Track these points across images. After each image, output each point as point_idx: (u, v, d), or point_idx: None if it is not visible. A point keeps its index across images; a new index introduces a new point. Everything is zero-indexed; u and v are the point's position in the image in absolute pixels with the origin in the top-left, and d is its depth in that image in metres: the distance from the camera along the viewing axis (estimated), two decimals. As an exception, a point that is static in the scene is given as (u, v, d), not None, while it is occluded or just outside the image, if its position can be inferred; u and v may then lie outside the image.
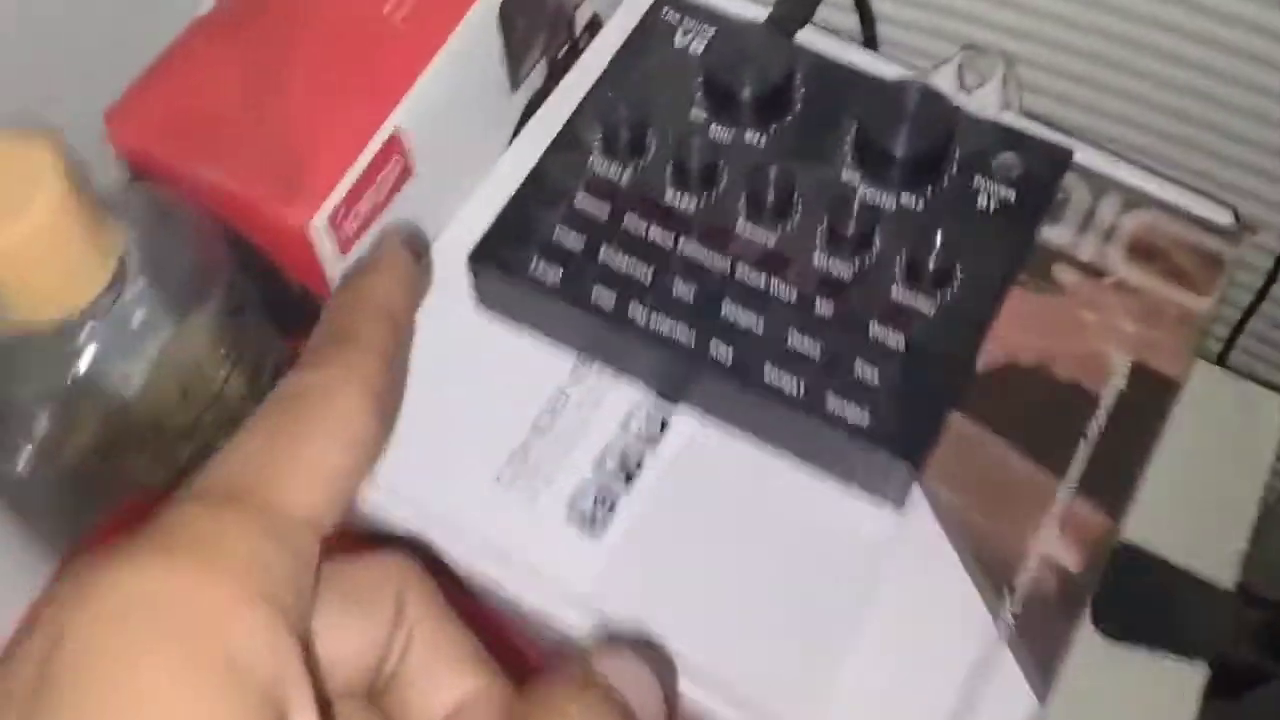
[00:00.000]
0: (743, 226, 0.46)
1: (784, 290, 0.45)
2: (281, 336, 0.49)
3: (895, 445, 0.40)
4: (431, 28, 0.47)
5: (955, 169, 0.48)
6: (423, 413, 0.42)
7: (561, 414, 0.44)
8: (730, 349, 0.42)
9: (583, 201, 0.46)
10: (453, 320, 0.46)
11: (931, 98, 0.48)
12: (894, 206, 0.47)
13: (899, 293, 0.45)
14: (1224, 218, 0.50)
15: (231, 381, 0.44)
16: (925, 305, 0.45)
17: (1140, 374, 0.46)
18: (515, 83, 0.53)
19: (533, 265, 0.44)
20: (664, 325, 0.43)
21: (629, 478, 0.43)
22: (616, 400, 0.44)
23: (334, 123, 0.45)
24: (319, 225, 0.44)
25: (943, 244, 0.44)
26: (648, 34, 0.52)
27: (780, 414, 0.41)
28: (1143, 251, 0.49)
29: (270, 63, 0.46)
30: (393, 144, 0.46)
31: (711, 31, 0.52)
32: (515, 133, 0.51)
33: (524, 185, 0.46)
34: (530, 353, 0.45)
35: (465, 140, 0.50)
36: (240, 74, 0.46)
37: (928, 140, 0.47)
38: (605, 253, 0.44)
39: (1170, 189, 0.51)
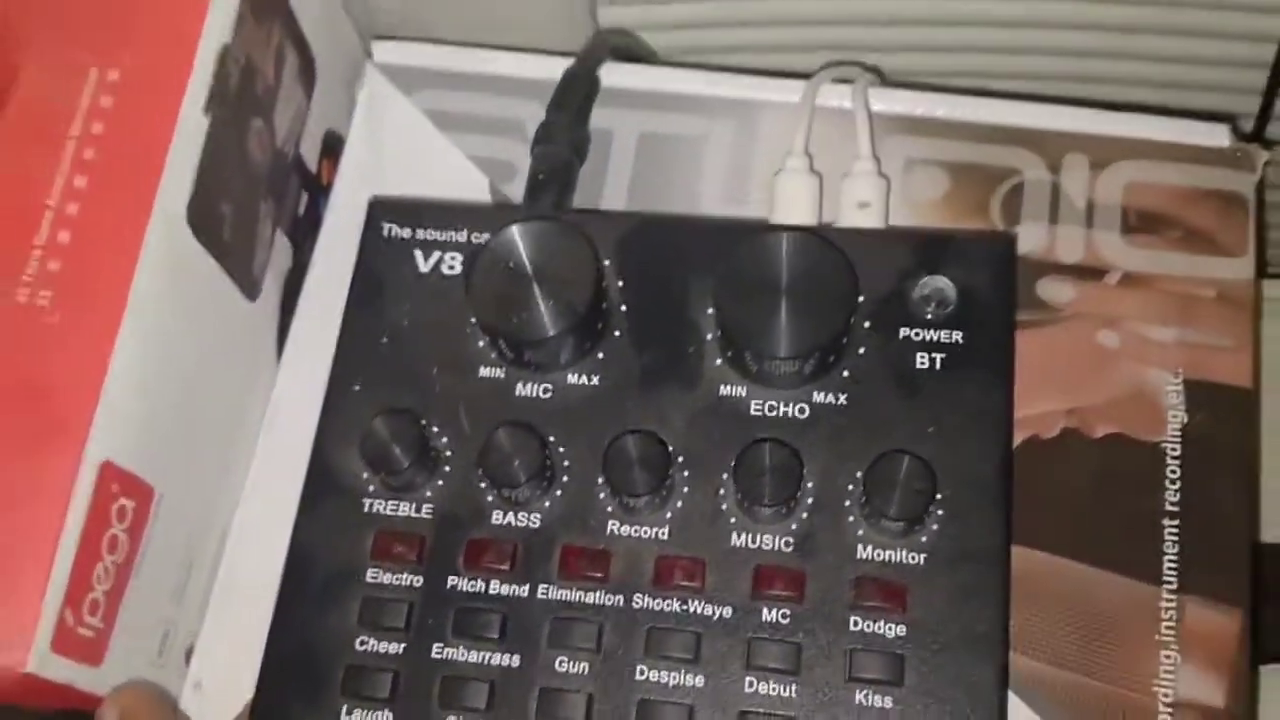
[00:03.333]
0: (615, 530, 0.33)
1: (711, 612, 0.32)
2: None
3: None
4: (96, 296, 0.33)
5: (867, 328, 0.34)
6: None
7: None
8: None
9: (379, 574, 0.33)
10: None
11: (801, 242, 0.32)
12: (805, 412, 0.33)
13: (866, 550, 0.32)
14: (1218, 138, 0.37)
15: None
16: (909, 552, 0.32)
17: (1199, 392, 0.35)
18: (252, 291, 0.38)
19: (343, 711, 0.32)
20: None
21: None
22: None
23: (8, 504, 0.32)
24: (40, 655, 0.32)
25: (898, 457, 0.31)
26: (375, 270, 0.36)
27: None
28: (1140, 222, 0.36)
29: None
30: (105, 483, 0.34)
31: (459, 237, 0.36)
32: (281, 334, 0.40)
33: (284, 587, 0.33)
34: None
35: (215, 401, 0.38)
36: None
37: (820, 306, 0.32)
38: (440, 646, 0.32)
39: (1139, 122, 0.37)
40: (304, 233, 0.41)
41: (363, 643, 0.32)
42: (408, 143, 0.40)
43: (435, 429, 0.33)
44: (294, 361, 0.38)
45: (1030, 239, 0.37)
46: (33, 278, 0.32)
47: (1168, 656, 0.33)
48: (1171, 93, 0.45)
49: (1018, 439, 0.35)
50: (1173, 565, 0.33)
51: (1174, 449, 0.34)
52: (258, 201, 0.39)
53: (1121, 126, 0.37)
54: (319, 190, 0.41)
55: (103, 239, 0.33)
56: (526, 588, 0.32)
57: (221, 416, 0.39)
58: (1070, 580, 0.33)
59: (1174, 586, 0.33)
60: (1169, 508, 0.34)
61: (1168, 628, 0.33)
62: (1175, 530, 0.34)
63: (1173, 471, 0.34)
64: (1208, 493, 0.34)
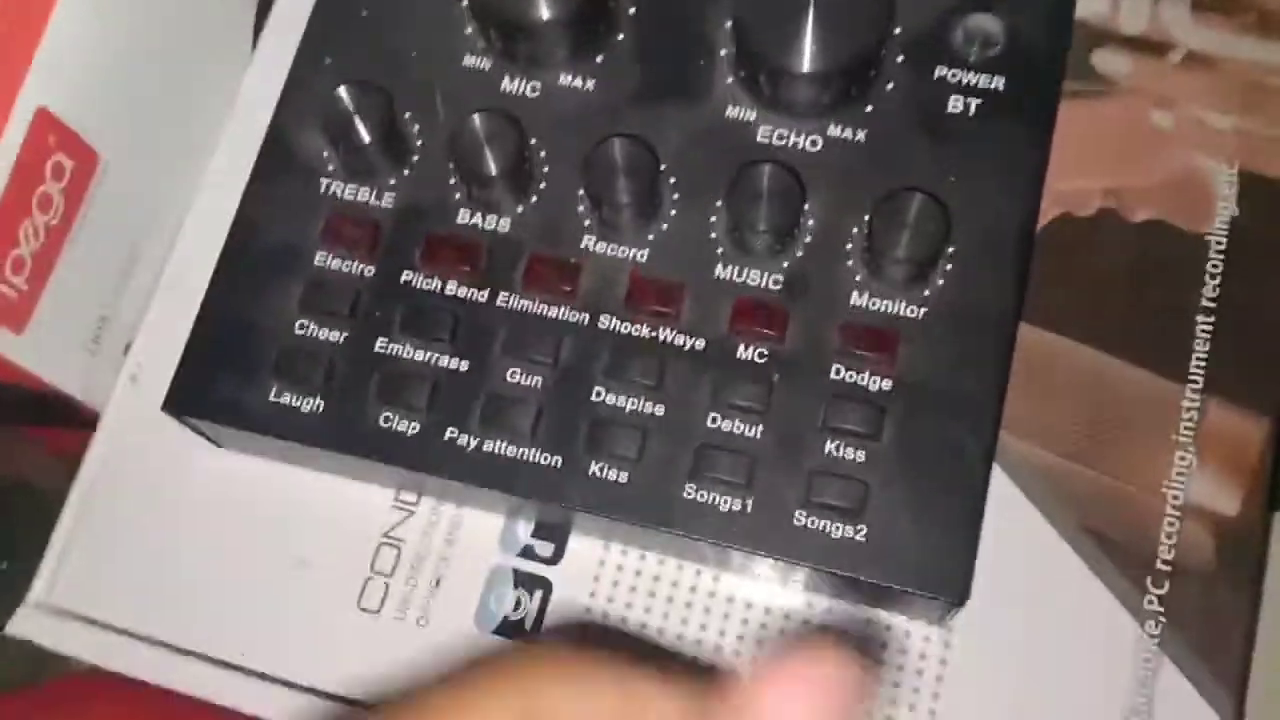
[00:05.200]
0: (590, 246, 0.30)
1: (683, 343, 0.29)
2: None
3: (924, 581, 0.27)
4: None
5: (900, 62, 0.30)
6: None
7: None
8: (617, 468, 0.28)
9: (327, 258, 0.30)
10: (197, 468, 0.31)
11: None
12: (818, 145, 0.30)
13: (861, 298, 0.29)
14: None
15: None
16: (907, 305, 0.29)
17: (1255, 186, 0.32)
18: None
19: (273, 392, 0.29)
20: (502, 441, 0.29)
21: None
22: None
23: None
24: None
25: (911, 194, 0.28)
26: None
27: (720, 554, 0.29)
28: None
29: None
30: (40, 132, 0.31)
31: None
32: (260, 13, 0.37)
33: (223, 259, 0.31)
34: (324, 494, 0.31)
35: (177, 74, 0.35)
36: None
37: (851, 23, 0.28)
38: (384, 341, 0.29)
39: None
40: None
41: (302, 326, 0.29)
42: None
43: (407, 114, 0.30)
44: (271, 45, 0.35)
45: (1091, 3, 0.33)
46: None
47: (1183, 458, 0.30)
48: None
49: (1050, 213, 0.31)
50: (1201, 363, 0.30)
51: (1219, 242, 0.31)
52: None
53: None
54: None
55: None
56: (486, 293, 0.29)
57: (182, 94, 0.36)
58: (1086, 368, 0.31)
59: (1199, 385, 0.30)
60: (1205, 303, 0.31)
61: (1187, 427, 0.30)
62: (1209, 327, 0.30)
63: (1214, 266, 0.31)
64: (1250, 292, 0.31)
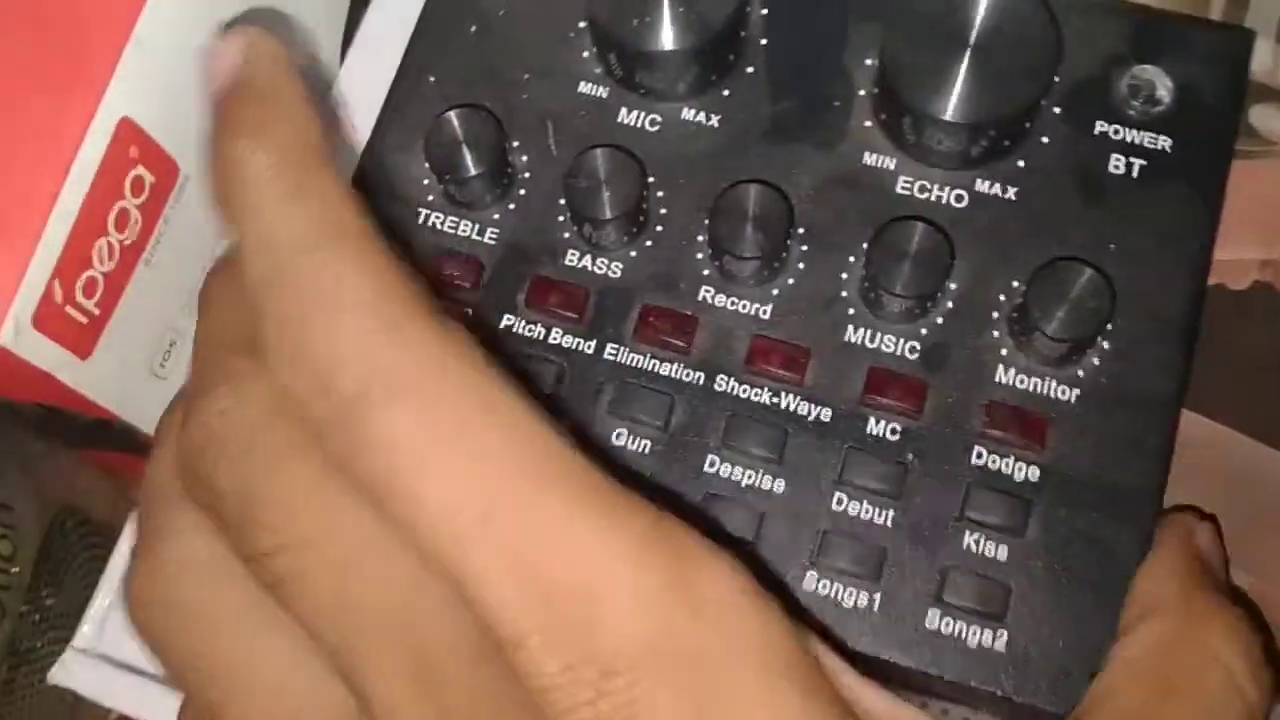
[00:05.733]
0: (708, 298, 0.27)
1: (807, 412, 0.26)
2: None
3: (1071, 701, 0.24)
4: None
5: (1057, 114, 0.27)
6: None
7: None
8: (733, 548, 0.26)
9: None
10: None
11: None
12: (963, 201, 0.27)
13: (1007, 374, 0.26)
14: None
15: None
16: (1059, 384, 0.26)
17: None
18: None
19: None
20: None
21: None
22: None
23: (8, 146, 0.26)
24: (17, 326, 0.27)
25: (1075, 266, 0.25)
26: None
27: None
28: None
29: None
30: (122, 143, 0.29)
31: None
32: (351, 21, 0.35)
33: None
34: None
35: None
36: None
37: (1011, 70, 0.25)
38: None
39: None
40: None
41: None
42: None
43: (516, 143, 0.28)
44: (362, 53, 0.33)
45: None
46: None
47: None
48: None
49: (1213, 287, 0.28)
50: None
51: None
52: None
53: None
54: None
55: None
56: (593, 344, 0.27)
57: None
58: (1237, 457, 0.28)
59: None
60: None
61: None
62: None
63: None
64: None
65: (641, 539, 0.18)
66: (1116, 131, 0.27)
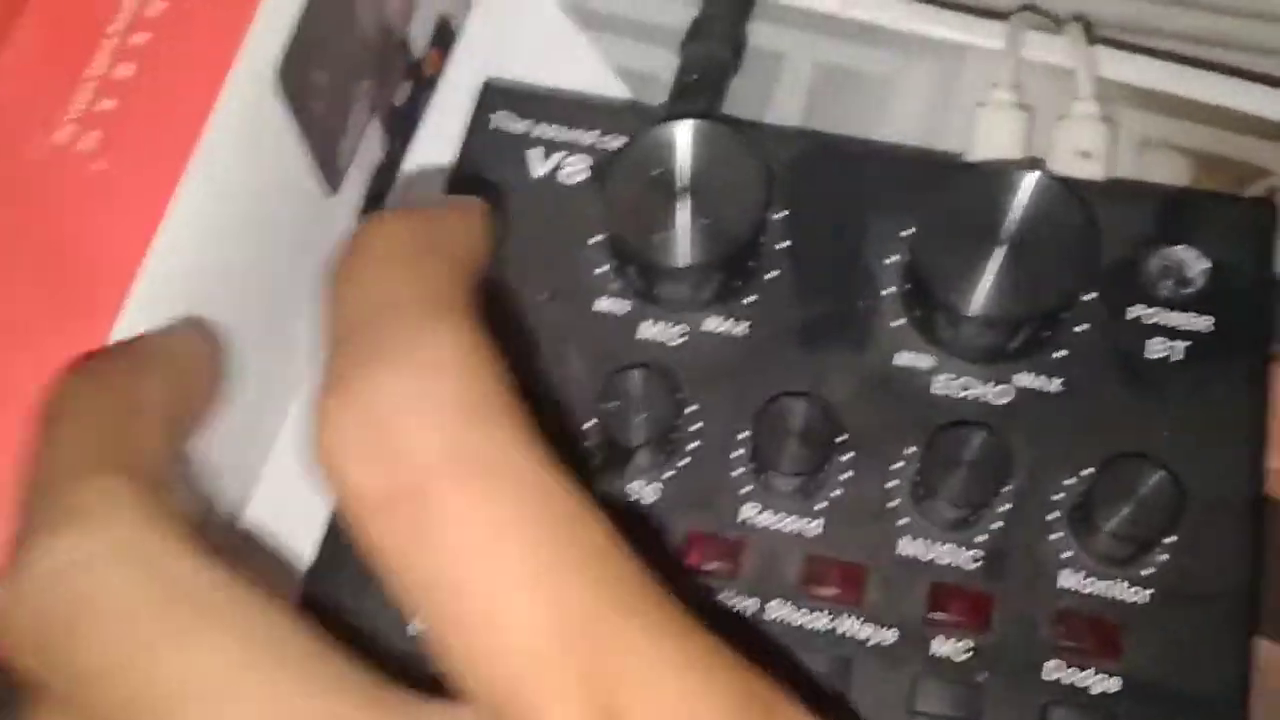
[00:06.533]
0: (751, 519, 0.26)
1: (868, 636, 0.25)
2: None
3: None
4: (155, 146, 0.26)
5: (1091, 300, 0.27)
6: None
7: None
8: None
9: None
10: None
11: (1038, 186, 0.25)
12: (1008, 398, 0.26)
13: (1074, 578, 0.25)
14: None
15: None
16: (1129, 585, 0.25)
17: None
18: (334, 180, 0.32)
19: None
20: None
21: None
22: None
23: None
24: None
25: (1140, 462, 0.24)
26: (479, 167, 0.29)
27: None
28: None
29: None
30: None
31: (587, 138, 0.29)
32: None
33: (320, 552, 0.27)
34: None
35: (272, 306, 0.31)
36: None
37: (1050, 263, 0.25)
38: None
39: None
40: (400, 126, 0.34)
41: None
42: (537, 37, 0.33)
43: (539, 366, 0.27)
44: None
45: None
46: (80, 115, 0.26)
47: None
48: None
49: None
50: None
51: None
52: (358, 78, 0.32)
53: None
54: (422, 82, 0.35)
55: (171, 81, 0.26)
56: (635, 576, 0.25)
57: (277, 326, 0.32)
58: None
59: None
60: None
61: None
62: None
63: None
64: None
65: (735, 699, 0.16)
66: (1150, 315, 0.26)
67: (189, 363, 0.24)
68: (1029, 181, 0.25)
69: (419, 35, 0.34)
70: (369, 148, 0.34)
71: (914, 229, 0.26)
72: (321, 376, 0.18)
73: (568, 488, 0.17)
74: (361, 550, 0.17)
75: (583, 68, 0.33)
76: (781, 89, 0.33)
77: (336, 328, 0.19)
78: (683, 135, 0.26)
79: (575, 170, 0.29)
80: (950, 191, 0.26)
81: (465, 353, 0.18)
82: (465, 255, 0.21)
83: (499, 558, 0.16)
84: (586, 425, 0.26)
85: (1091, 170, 0.30)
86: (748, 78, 0.33)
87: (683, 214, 0.26)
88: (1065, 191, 0.25)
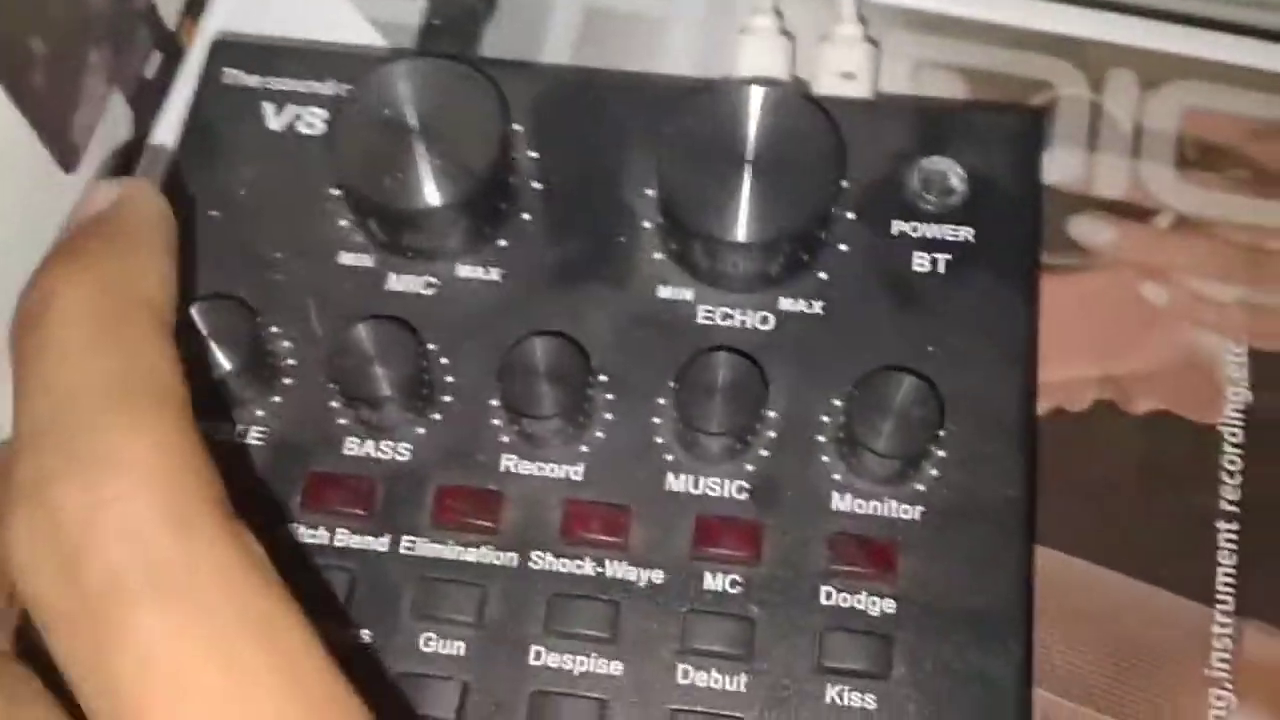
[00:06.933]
0: (511, 468, 0.24)
1: (636, 578, 0.23)
2: None
3: None
4: None
5: (851, 220, 0.26)
6: None
7: None
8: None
9: None
10: None
11: (775, 99, 0.24)
12: (770, 323, 0.25)
13: (844, 500, 0.24)
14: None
15: None
16: (900, 504, 0.24)
17: (1267, 365, 0.28)
18: (69, 157, 0.30)
19: None
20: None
21: None
22: None
23: None
24: None
25: (892, 374, 0.23)
26: (211, 125, 0.27)
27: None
28: (1198, 156, 0.30)
29: None
30: None
31: (323, 89, 0.27)
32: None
33: None
34: None
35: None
36: None
37: (796, 181, 0.24)
38: None
39: (1203, 39, 0.31)
40: (151, 101, 0.32)
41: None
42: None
43: (275, 329, 0.25)
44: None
45: (1064, 167, 0.30)
46: None
47: (1219, 697, 0.25)
48: (1251, 10, 0.38)
49: (1040, 409, 0.27)
50: (1229, 580, 0.26)
51: (1233, 433, 0.27)
52: (86, 46, 0.30)
53: (1181, 42, 0.31)
54: (176, 53, 0.33)
55: None
56: (386, 540, 0.23)
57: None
58: (1098, 593, 0.26)
59: (1230, 607, 0.26)
60: (1226, 507, 0.27)
61: (1221, 660, 0.26)
62: (1233, 536, 0.26)
63: (1231, 461, 0.27)
64: (1276, 490, 0.27)
65: None
66: (915, 229, 0.26)
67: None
68: (761, 96, 0.24)
69: (169, 3, 0.32)
70: (113, 124, 0.32)
71: (662, 159, 0.25)
72: (12, 475, 0.18)
73: (263, 590, 0.17)
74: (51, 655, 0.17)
75: (341, 24, 0.32)
76: (552, 34, 0.32)
77: (22, 420, 0.18)
78: (406, 74, 0.25)
79: (313, 122, 0.27)
80: (688, 115, 0.25)
81: (161, 454, 0.18)
82: (158, 296, 0.20)
83: (184, 683, 0.16)
84: (330, 385, 0.24)
85: (856, 90, 0.29)
86: (516, 23, 0.32)
87: (417, 156, 0.24)
88: (803, 104, 0.24)
